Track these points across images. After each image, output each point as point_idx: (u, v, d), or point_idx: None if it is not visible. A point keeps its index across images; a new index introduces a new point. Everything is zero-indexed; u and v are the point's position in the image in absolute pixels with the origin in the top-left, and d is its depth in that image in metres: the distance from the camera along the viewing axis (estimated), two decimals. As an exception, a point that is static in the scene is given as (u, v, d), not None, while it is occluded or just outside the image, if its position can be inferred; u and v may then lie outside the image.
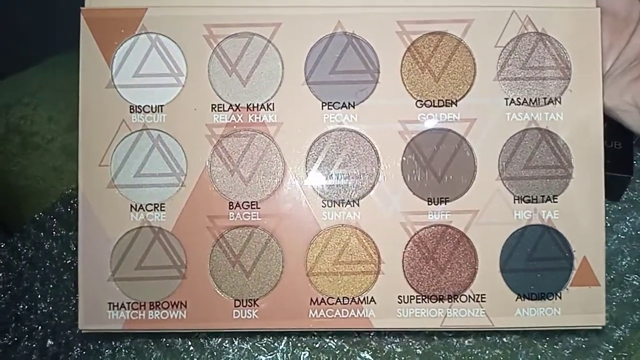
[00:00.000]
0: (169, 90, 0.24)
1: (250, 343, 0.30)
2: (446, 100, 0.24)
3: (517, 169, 0.24)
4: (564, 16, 0.24)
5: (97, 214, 0.24)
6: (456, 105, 0.24)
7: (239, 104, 0.24)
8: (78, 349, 0.30)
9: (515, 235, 0.24)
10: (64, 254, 0.33)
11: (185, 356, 0.29)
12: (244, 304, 0.24)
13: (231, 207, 0.24)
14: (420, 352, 0.29)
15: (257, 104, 0.24)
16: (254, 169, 0.24)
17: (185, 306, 0.24)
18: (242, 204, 0.24)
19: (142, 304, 0.24)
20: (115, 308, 0.24)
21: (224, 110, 0.24)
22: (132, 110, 0.24)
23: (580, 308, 0.24)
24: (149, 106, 0.24)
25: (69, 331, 0.31)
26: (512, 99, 0.24)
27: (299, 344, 0.29)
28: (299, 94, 0.24)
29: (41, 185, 0.34)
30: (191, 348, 0.30)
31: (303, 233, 0.24)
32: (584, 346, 0.28)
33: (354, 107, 0.24)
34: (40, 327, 0.31)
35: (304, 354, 0.29)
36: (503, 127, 0.24)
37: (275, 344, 0.29)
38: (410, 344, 0.29)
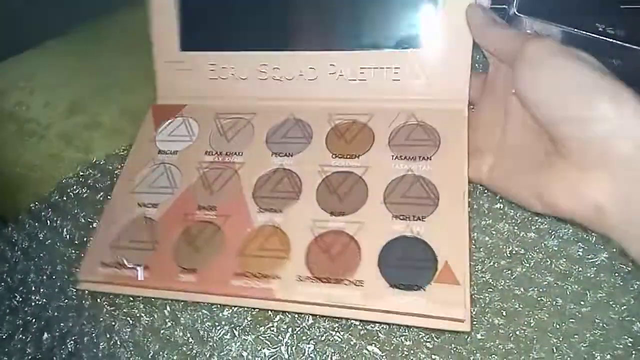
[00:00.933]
0: (185, 143, 0.39)
1: (253, 336, 0.31)
2: (352, 154, 0.36)
3: (397, 197, 0.33)
4: (437, 113, 0.37)
5: (116, 207, 0.37)
6: (358, 158, 0.36)
7: (222, 151, 0.38)
8: (72, 342, 0.32)
9: (392, 241, 0.32)
10: (59, 244, 0.33)
11: (185, 349, 0.31)
12: (187, 271, 0.33)
13: (199, 208, 0.35)
14: (430, 345, 0.30)
15: (232, 152, 0.38)
16: (221, 187, 0.36)
17: (149, 269, 0.33)
18: (206, 207, 0.35)
19: (122, 264, 0.34)
20: (105, 266, 0.34)
21: (212, 154, 0.38)
22: (159, 153, 0.39)
23: (442, 301, 0.29)
24: (170, 150, 0.39)
25: (63, 324, 0.33)
26: (397, 156, 0.35)
27: (303, 337, 0.31)
28: (260, 148, 0.38)
29: (37, 174, 0.32)
30: (190, 339, 0.31)
31: (242, 228, 0.34)
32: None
33: (292, 156, 0.37)
34: (35, 320, 0.32)
35: (309, 347, 0.30)
36: (388, 172, 0.35)
37: (279, 337, 0.32)
38: (420, 336, 0.31)
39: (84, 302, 0.35)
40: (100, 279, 0.34)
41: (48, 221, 0.35)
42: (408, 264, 0.31)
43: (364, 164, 0.35)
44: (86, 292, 0.34)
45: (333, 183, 0.35)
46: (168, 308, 0.34)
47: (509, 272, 0.34)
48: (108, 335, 0.32)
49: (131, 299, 0.35)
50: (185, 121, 0.41)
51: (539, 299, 0.33)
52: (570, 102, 0.26)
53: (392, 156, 0.35)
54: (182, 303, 0.34)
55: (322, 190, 0.35)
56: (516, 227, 0.36)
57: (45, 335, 0.32)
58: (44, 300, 0.34)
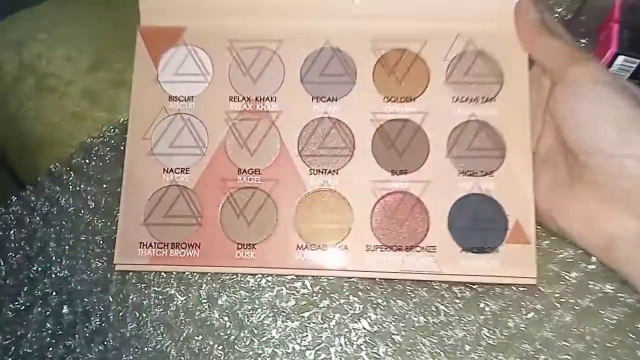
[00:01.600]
0: (199, 85, 0.32)
1: (297, 322, 0.30)
2: (406, 97, 0.32)
3: (462, 150, 0.31)
4: (498, 39, 0.32)
5: (137, 175, 0.32)
6: (414, 101, 0.31)
7: (250, 97, 0.32)
8: (97, 319, 0.30)
9: (460, 201, 0.30)
10: (82, 211, 0.30)
11: (222, 333, 0.29)
12: (245, 247, 0.30)
13: (239, 172, 0.31)
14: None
15: (263, 97, 0.32)
16: (258, 144, 0.31)
17: (199, 247, 0.30)
18: (248, 170, 0.31)
19: (165, 243, 0.31)
20: (144, 247, 0.31)
21: (238, 101, 0.32)
22: (170, 99, 0.32)
23: (514, 261, 0.29)
24: (183, 96, 0.32)
25: (86, 299, 0.30)
26: (457, 98, 0.31)
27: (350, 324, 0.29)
28: (296, 90, 0.32)
29: (58, 134, 0.29)
30: (229, 323, 0.29)
31: (293, 194, 0.31)
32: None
33: (336, 100, 0.32)
34: (55, 293, 0.30)
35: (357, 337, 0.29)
36: (450, 119, 0.31)
37: (325, 325, 0.29)
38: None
39: (110, 276, 0.31)
40: (143, 262, 0.31)
41: (70, 185, 0.31)
42: (479, 225, 0.30)
43: (422, 108, 0.31)
44: (114, 265, 0.30)
45: (389, 134, 0.31)
46: (204, 287, 0.31)
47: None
48: (137, 314, 0.30)
49: (163, 274, 0.31)
50: (191, 52, 0.33)
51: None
52: (605, 136, 0.25)
53: (453, 98, 0.31)
54: (220, 283, 0.31)
55: (377, 144, 0.31)
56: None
57: (66, 309, 0.30)
58: (66, 272, 0.31)
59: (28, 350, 0.29)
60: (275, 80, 0.32)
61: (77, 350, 0.29)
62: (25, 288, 0.30)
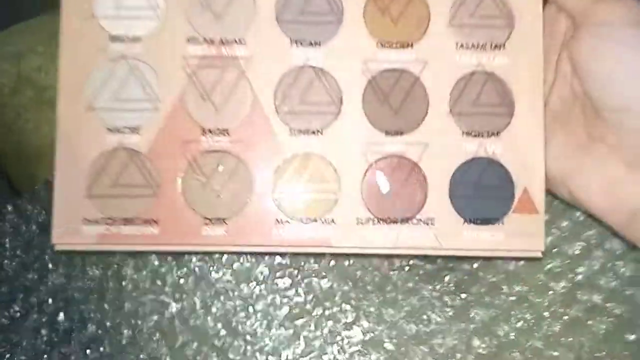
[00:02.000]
0: (148, 22, 0.26)
1: (290, 330, 0.30)
2: (403, 42, 0.26)
3: (465, 106, 0.26)
4: (508, -28, 0.27)
5: (74, 136, 0.25)
6: (412, 47, 0.26)
7: (213, 38, 0.26)
8: (94, 325, 0.30)
9: (463, 166, 0.26)
10: None
11: (217, 341, 0.29)
12: (214, 222, 0.25)
13: (203, 132, 0.26)
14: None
15: (230, 39, 0.26)
16: (225, 98, 0.26)
17: (157, 223, 0.25)
18: (214, 130, 0.26)
19: (116, 219, 0.25)
20: (90, 223, 0.25)
21: (198, 43, 0.26)
22: (111, 40, 0.26)
23: (521, 233, 0.26)
24: (127, 36, 0.26)
25: (83, 306, 0.30)
26: (462, 44, 0.27)
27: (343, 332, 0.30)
28: (270, 31, 0.26)
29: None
30: (223, 331, 0.30)
31: (270, 159, 0.26)
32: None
33: (319, 45, 0.26)
34: (51, 300, 0.30)
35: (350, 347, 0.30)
36: (453, 69, 0.27)
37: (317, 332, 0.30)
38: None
39: (105, 284, 0.31)
40: (89, 241, 0.25)
41: None
42: (483, 193, 0.26)
43: (421, 56, 0.27)
44: (109, 273, 0.30)
45: (382, 87, 0.26)
46: (198, 294, 0.30)
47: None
48: (133, 322, 0.30)
49: (158, 283, 0.30)
50: (135, -21, 0.26)
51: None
52: (636, 90, 0.22)
53: (457, 44, 0.27)
54: (214, 291, 0.30)
55: (369, 99, 0.26)
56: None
57: (62, 316, 0.30)
58: (62, 279, 0.30)
59: (23, 358, 0.29)
60: (244, 17, 0.26)
61: (72, 357, 0.29)
62: (21, 296, 0.30)
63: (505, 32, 0.27)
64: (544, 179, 0.26)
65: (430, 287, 0.30)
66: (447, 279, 0.30)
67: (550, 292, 0.30)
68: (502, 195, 0.26)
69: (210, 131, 0.26)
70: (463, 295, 0.30)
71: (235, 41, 0.26)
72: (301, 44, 0.26)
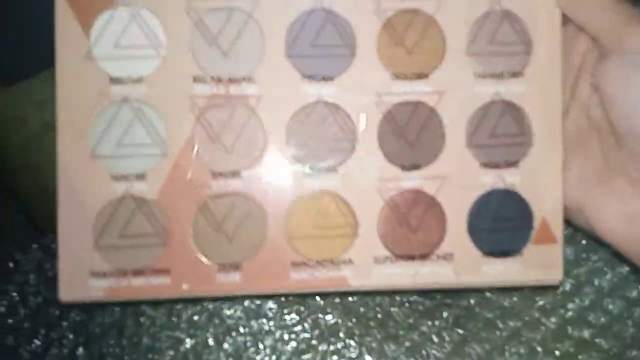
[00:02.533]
0: (150, 61, 0.24)
1: None
2: (419, 73, 0.25)
3: (483, 137, 0.26)
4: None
5: (78, 185, 0.24)
6: (428, 78, 0.25)
7: (220, 77, 0.25)
8: None
9: (481, 198, 0.26)
10: None
11: None
12: (227, 268, 0.25)
13: (214, 176, 0.25)
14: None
15: (239, 77, 0.25)
16: (235, 138, 0.25)
17: (169, 272, 0.24)
18: (225, 173, 0.25)
19: (125, 272, 0.24)
20: (98, 276, 0.24)
21: (205, 82, 0.25)
22: (112, 82, 0.24)
23: (540, 263, 0.26)
24: (129, 77, 0.24)
25: (102, 341, 0.31)
26: (479, 73, 0.26)
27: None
28: (280, 67, 0.25)
29: None
30: None
31: (284, 199, 0.25)
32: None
33: (332, 79, 0.25)
34: (72, 336, 0.31)
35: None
36: (470, 99, 0.26)
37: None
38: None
39: (124, 320, 0.31)
40: (97, 295, 0.24)
41: None
42: (502, 225, 0.26)
43: (437, 87, 0.26)
44: (127, 310, 0.30)
45: (398, 120, 0.25)
46: (211, 330, 0.31)
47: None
48: (150, 356, 0.31)
49: (174, 319, 0.31)
50: (134, 15, 0.24)
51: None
52: None
53: (474, 73, 0.26)
54: (226, 327, 0.31)
55: (384, 133, 0.25)
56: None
57: (82, 351, 0.31)
58: (84, 316, 0.31)
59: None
60: (253, 53, 0.25)
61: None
62: (43, 330, 0.31)
63: (524, 58, 0.26)
64: (562, 208, 0.26)
65: (429, 323, 0.31)
66: (445, 315, 0.31)
67: (543, 327, 0.31)
68: (520, 227, 0.26)
69: (221, 174, 0.25)
70: (460, 331, 0.31)
71: (244, 79, 0.25)
72: (313, 79, 0.25)
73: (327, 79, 0.25)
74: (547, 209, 0.26)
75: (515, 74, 0.26)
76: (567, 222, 0.27)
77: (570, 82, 0.26)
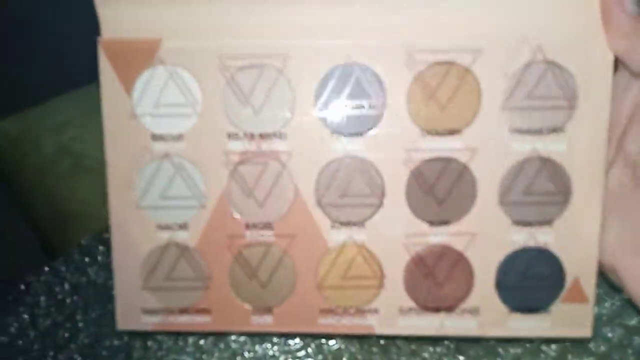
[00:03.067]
0: (188, 119, 0.26)
1: None
2: (450, 129, 0.25)
3: (517, 195, 0.25)
4: (576, 44, 0.24)
5: (127, 232, 0.27)
6: (460, 134, 0.25)
7: (253, 133, 0.25)
8: None
9: (511, 256, 0.26)
10: (110, 282, 0.31)
11: None
12: (261, 311, 0.27)
13: (247, 227, 0.26)
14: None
15: (270, 133, 0.25)
16: (268, 193, 0.26)
17: (210, 312, 0.27)
18: (258, 225, 0.26)
19: (172, 309, 0.27)
20: (148, 312, 0.27)
21: (238, 139, 0.26)
22: (153, 139, 0.26)
23: (568, 322, 0.26)
24: (169, 135, 0.26)
25: None
26: (516, 128, 0.25)
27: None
28: (310, 123, 0.25)
29: (91, 210, 0.32)
30: None
31: (313, 251, 0.26)
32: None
33: (361, 135, 0.25)
34: (80, 358, 0.31)
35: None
36: (505, 156, 0.25)
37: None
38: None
39: (132, 343, 0.32)
40: (148, 327, 0.28)
41: (99, 256, 0.33)
42: (531, 283, 0.26)
43: (470, 143, 0.25)
44: (135, 333, 0.31)
45: (426, 177, 0.25)
46: (217, 355, 0.31)
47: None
48: None
49: (180, 344, 0.32)
50: (172, 74, 0.26)
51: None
52: None
53: (510, 128, 0.25)
54: (231, 352, 0.31)
55: (412, 190, 0.26)
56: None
57: None
58: (92, 339, 0.32)
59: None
60: (283, 109, 0.25)
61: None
62: (52, 353, 0.31)
63: (567, 113, 0.24)
64: (597, 269, 0.25)
65: (431, 349, 0.31)
66: (446, 342, 0.31)
67: (543, 355, 0.30)
68: (551, 285, 0.26)
69: (254, 226, 0.26)
70: (462, 358, 0.31)
71: (276, 135, 0.25)
72: (342, 134, 0.25)
73: (356, 134, 0.25)
74: (580, 269, 0.25)
75: (556, 130, 0.25)
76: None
77: (617, 134, 0.25)
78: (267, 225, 0.26)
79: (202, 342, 0.32)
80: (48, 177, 0.32)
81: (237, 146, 0.26)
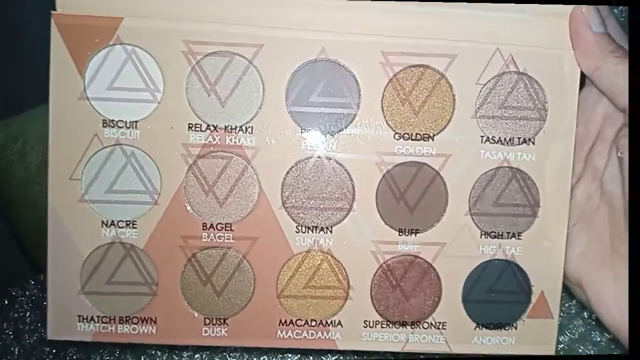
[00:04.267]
0: (145, 106, 0.24)
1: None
2: (424, 134, 0.24)
3: (487, 205, 0.25)
4: (546, 58, 0.24)
5: (67, 228, 0.24)
6: (433, 140, 0.24)
7: (217, 125, 0.24)
8: None
9: (479, 268, 0.25)
10: None
11: None
12: (214, 322, 0.24)
13: (205, 227, 0.24)
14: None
15: (236, 126, 0.24)
16: (229, 191, 0.24)
17: (155, 322, 0.24)
18: (216, 226, 0.24)
19: (112, 318, 0.24)
20: (85, 321, 0.24)
21: (201, 130, 0.24)
22: (105, 125, 0.23)
23: (533, 339, 0.25)
24: (122, 121, 0.23)
25: None
26: (488, 137, 0.24)
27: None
28: (279, 119, 0.24)
29: None
30: None
31: (275, 256, 0.24)
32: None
33: (332, 135, 0.24)
34: None
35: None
36: (476, 164, 0.24)
37: None
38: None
39: (124, 357, 0.31)
40: (84, 337, 0.24)
41: None
42: (498, 297, 0.25)
43: (442, 149, 0.24)
44: (127, 349, 0.29)
45: (398, 182, 0.24)
46: None
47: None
48: None
49: (175, 358, 0.30)
50: (131, 55, 0.23)
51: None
52: None
53: (482, 137, 0.24)
54: None
55: (384, 194, 0.24)
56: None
57: None
58: (81, 354, 0.31)
59: None
60: (251, 103, 0.24)
61: None
62: None
63: (537, 125, 0.24)
64: (561, 284, 0.25)
65: None
66: None
67: None
68: (517, 300, 0.25)
69: (212, 226, 0.24)
70: None
71: (242, 129, 0.24)
72: (311, 132, 0.24)
73: (326, 133, 0.24)
74: (546, 283, 0.25)
75: (526, 141, 0.24)
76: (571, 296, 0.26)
77: (586, 149, 0.25)
78: (227, 227, 0.24)
79: (197, 356, 0.30)
80: (32, 187, 0.30)
81: (198, 138, 0.24)
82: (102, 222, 0.24)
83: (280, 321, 0.24)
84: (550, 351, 0.25)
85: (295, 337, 0.25)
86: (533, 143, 0.24)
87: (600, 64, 0.23)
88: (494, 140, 0.24)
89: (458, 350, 0.25)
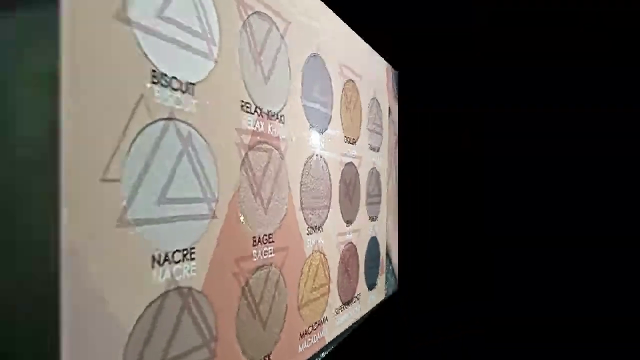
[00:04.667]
0: (202, 62, 0.15)
1: None
2: (352, 139, 0.29)
3: (371, 197, 0.32)
4: (377, 86, 0.34)
5: (96, 283, 0.11)
6: (354, 144, 0.29)
7: (262, 108, 0.19)
8: None
9: (368, 244, 0.32)
10: None
11: None
12: (261, 364, 0.19)
13: (254, 242, 0.18)
14: None
15: (274, 113, 0.20)
16: (271, 192, 0.19)
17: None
18: (262, 238, 0.19)
19: None
20: None
21: (250, 112, 0.18)
22: (154, 76, 0.13)
23: (381, 289, 0.34)
24: (177, 79, 0.14)
25: None
26: (370, 145, 0.32)
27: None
28: (297, 111, 0.22)
29: None
30: None
31: (297, 265, 0.22)
32: None
33: (321, 133, 0.24)
34: None
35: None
36: (367, 165, 0.31)
37: None
38: None
39: None
40: None
41: None
42: (374, 264, 0.33)
43: (358, 152, 0.30)
44: None
45: (346, 180, 0.28)
46: None
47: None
48: None
49: None
50: (185, -21, 0.15)
51: None
52: None
53: (369, 145, 0.32)
54: None
55: (342, 190, 0.27)
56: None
57: None
58: None
59: None
60: (282, 86, 0.20)
61: None
62: None
63: (381, 138, 0.34)
64: (397, 249, 0.36)
65: None
66: None
67: None
68: (379, 264, 0.34)
69: (259, 240, 0.18)
70: None
71: (277, 117, 0.20)
72: (316, 129, 0.23)
73: (320, 131, 0.24)
74: (389, 246, 0.35)
75: (379, 149, 0.34)
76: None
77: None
78: (270, 238, 0.19)
79: None
80: None
81: (248, 122, 0.18)
82: (153, 257, 0.13)
83: (300, 334, 0.22)
84: (382, 295, 0.36)
85: (307, 346, 0.23)
86: (380, 151, 0.34)
87: None
88: (373, 147, 0.32)
89: (364, 311, 0.31)
